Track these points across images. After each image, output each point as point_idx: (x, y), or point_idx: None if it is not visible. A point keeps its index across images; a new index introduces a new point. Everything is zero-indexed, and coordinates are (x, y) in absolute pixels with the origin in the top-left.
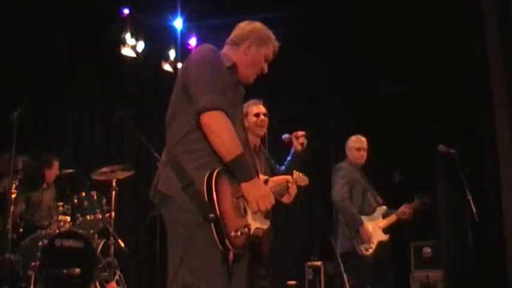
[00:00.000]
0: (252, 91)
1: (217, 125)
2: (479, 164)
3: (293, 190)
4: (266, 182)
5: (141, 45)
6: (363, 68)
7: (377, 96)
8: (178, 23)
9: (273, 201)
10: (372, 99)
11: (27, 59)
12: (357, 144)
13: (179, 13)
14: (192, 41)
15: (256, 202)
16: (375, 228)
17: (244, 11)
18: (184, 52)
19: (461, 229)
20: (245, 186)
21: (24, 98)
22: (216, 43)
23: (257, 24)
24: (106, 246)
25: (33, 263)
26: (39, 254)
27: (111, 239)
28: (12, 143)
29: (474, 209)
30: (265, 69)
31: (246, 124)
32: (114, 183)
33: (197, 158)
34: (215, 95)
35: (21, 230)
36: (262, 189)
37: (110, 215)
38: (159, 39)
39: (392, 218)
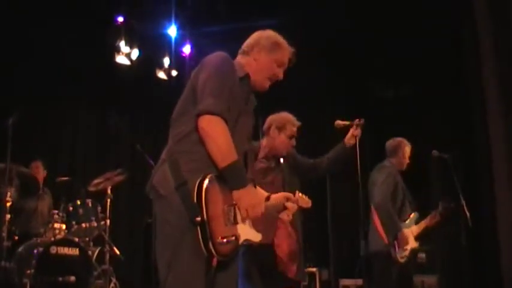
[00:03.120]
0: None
1: (213, 130)
2: (473, 169)
3: (292, 208)
4: (268, 198)
5: (135, 53)
6: (358, 73)
7: (372, 102)
8: (172, 31)
9: (263, 211)
10: (366, 105)
11: (21, 66)
12: (408, 149)
13: (173, 21)
14: (186, 49)
15: (246, 210)
16: (409, 235)
17: (237, 19)
18: (178, 59)
19: (455, 234)
20: (237, 193)
21: (18, 105)
22: (210, 50)
23: (266, 32)
24: (101, 254)
25: (28, 271)
26: (34, 261)
27: (107, 246)
28: (7, 151)
29: (468, 214)
30: (280, 75)
31: (275, 136)
32: (109, 191)
33: (195, 159)
34: (219, 101)
35: (16, 237)
36: (254, 198)
37: (105, 223)
38: (153, 47)
39: (423, 224)
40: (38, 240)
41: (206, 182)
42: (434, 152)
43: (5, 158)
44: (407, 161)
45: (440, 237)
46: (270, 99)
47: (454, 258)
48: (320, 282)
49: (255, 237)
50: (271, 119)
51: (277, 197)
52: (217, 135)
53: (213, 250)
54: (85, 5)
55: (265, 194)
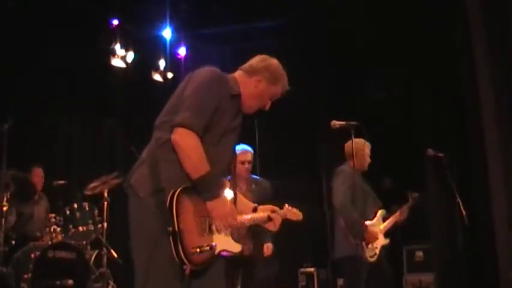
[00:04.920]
0: None
1: (185, 143)
2: (468, 168)
3: (277, 221)
4: (255, 209)
5: (130, 56)
6: (353, 73)
7: (367, 102)
8: (167, 33)
9: (235, 220)
10: (361, 105)
11: (16, 70)
12: (367, 150)
13: (168, 23)
14: (181, 51)
15: (219, 220)
16: (377, 232)
17: (232, 21)
18: (173, 61)
19: (452, 232)
20: (209, 204)
21: (13, 109)
22: (204, 52)
23: (274, 62)
24: (99, 257)
25: (25, 275)
26: (31, 266)
27: (104, 249)
28: (3, 156)
29: (464, 212)
30: (267, 107)
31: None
32: (105, 194)
33: (174, 167)
34: (196, 116)
35: (13, 242)
36: (226, 208)
37: (102, 226)
38: (148, 49)
39: (392, 220)
40: (35, 244)
41: (178, 193)
42: (430, 151)
43: (1, 163)
44: (368, 161)
45: (437, 236)
46: None
47: (450, 256)
48: (318, 281)
49: (234, 247)
50: None
51: (264, 208)
52: (188, 148)
53: (185, 259)
54: (80, 9)
55: (252, 205)
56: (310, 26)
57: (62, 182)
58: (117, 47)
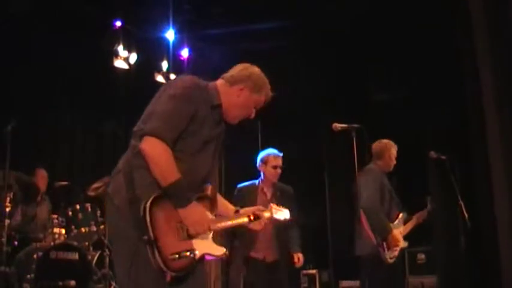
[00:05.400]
0: None
1: (153, 152)
2: (470, 170)
3: (264, 218)
4: (237, 212)
5: (133, 57)
6: (355, 75)
7: (369, 104)
8: (170, 35)
9: (208, 226)
10: (363, 107)
11: (19, 72)
12: (394, 151)
13: (171, 24)
14: (184, 52)
15: (191, 227)
16: (400, 236)
17: (235, 23)
18: (176, 63)
19: (454, 235)
20: (181, 212)
21: (16, 111)
22: (207, 54)
23: (256, 70)
24: (101, 258)
25: (28, 276)
26: (34, 266)
27: (106, 250)
28: (6, 157)
29: (466, 215)
30: (252, 115)
31: (263, 170)
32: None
33: (149, 175)
34: (165, 125)
35: (16, 243)
36: (197, 215)
37: (105, 227)
38: (151, 51)
39: (411, 224)
40: (38, 245)
41: (152, 201)
42: (432, 153)
43: (4, 164)
44: (394, 162)
45: (440, 238)
46: (268, 103)
47: (453, 259)
48: (320, 283)
49: (216, 250)
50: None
51: (248, 209)
52: (157, 156)
53: (163, 266)
54: (82, 10)
55: (233, 207)
56: (313, 27)
57: (64, 183)
58: (120, 48)
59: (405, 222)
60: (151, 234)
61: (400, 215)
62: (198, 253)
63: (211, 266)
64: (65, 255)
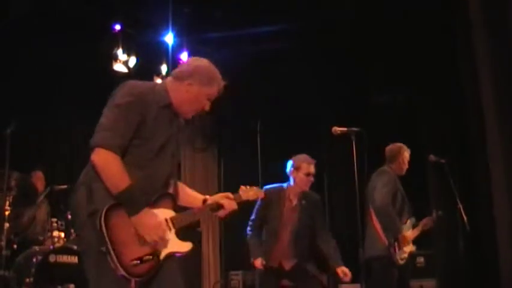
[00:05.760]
0: (247, 100)
1: (101, 162)
2: (470, 173)
3: (228, 206)
4: (205, 201)
5: (132, 61)
6: (354, 78)
7: (368, 108)
8: (169, 38)
9: (163, 231)
10: (363, 111)
11: (19, 74)
12: (407, 155)
13: (170, 28)
14: (184, 56)
15: (147, 234)
16: (409, 237)
17: (234, 26)
18: (175, 66)
19: (453, 238)
20: (133, 219)
21: (16, 114)
22: (207, 57)
23: (203, 63)
24: None
25: (27, 280)
26: (33, 270)
27: None
28: (6, 159)
29: (465, 218)
30: (207, 108)
31: (294, 176)
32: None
33: (104, 187)
34: (111, 134)
35: (15, 246)
36: (151, 221)
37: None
38: (150, 54)
39: (419, 229)
40: (37, 249)
41: (105, 211)
42: (432, 157)
43: (4, 167)
44: (406, 166)
45: (439, 241)
46: (270, 103)
47: (452, 262)
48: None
49: (182, 247)
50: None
51: (214, 197)
52: (105, 166)
53: (125, 274)
54: (82, 13)
55: (202, 197)
56: (313, 30)
57: (63, 186)
58: (119, 51)
59: (413, 228)
60: (108, 245)
61: (409, 220)
62: (162, 254)
63: (211, 270)
64: (64, 259)
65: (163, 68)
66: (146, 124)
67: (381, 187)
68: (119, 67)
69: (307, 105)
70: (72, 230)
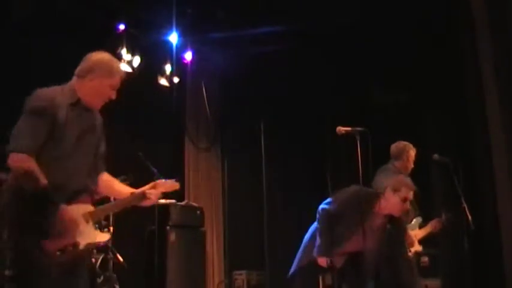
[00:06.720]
0: (251, 100)
1: (15, 164)
2: (474, 172)
3: (153, 195)
4: (132, 193)
5: (136, 60)
6: (357, 77)
7: (372, 108)
8: (173, 38)
9: (77, 225)
10: (366, 111)
11: (23, 74)
12: (413, 153)
13: (174, 28)
14: (188, 55)
15: (64, 229)
16: (415, 237)
17: (238, 26)
18: (180, 66)
19: (458, 237)
20: (51, 216)
21: (19, 114)
22: (211, 57)
23: (101, 57)
24: (105, 261)
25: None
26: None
27: (110, 253)
28: None
29: (470, 217)
30: (113, 97)
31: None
32: (111, 199)
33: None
34: (23, 138)
35: None
36: (65, 217)
37: (109, 230)
38: (154, 54)
39: (427, 229)
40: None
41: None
42: (436, 156)
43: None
44: (411, 165)
45: (443, 241)
46: (273, 103)
47: (456, 261)
48: (323, 286)
49: (100, 238)
50: (387, 181)
51: (141, 189)
52: (19, 168)
53: (49, 263)
54: (86, 14)
55: (130, 189)
56: (315, 30)
57: None
58: (123, 51)
59: (420, 227)
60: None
61: (415, 218)
62: (81, 245)
63: (215, 270)
64: None
65: (168, 68)
66: (58, 124)
67: (382, 184)
68: (123, 67)
69: (311, 105)
70: None
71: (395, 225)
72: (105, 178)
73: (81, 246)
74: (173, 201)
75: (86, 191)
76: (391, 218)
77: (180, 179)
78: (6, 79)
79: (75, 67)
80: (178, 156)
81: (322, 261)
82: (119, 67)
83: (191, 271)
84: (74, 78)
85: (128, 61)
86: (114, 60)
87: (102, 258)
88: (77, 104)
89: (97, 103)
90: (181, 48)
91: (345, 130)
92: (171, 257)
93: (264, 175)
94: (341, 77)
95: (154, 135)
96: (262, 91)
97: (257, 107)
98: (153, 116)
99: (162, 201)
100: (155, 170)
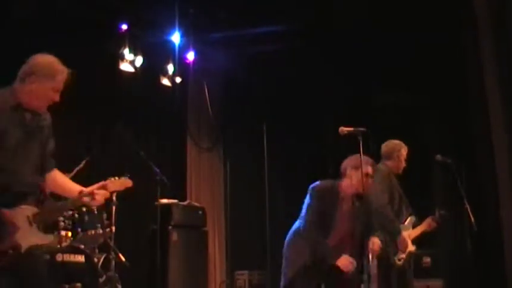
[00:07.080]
0: (248, 101)
1: None
2: (476, 173)
3: (101, 195)
4: (81, 192)
5: (139, 60)
6: (358, 78)
7: (373, 109)
8: (176, 38)
9: (17, 229)
10: (368, 112)
11: None
12: (404, 152)
13: (177, 28)
14: (190, 55)
15: (3, 231)
16: (407, 238)
17: (240, 26)
18: (182, 66)
19: (460, 238)
20: None
21: None
22: (213, 57)
23: (42, 59)
24: (107, 261)
25: None
26: None
27: (112, 253)
28: None
29: (472, 218)
30: (56, 99)
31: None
32: (114, 198)
33: None
34: None
35: None
36: (4, 220)
37: (111, 230)
38: (157, 54)
39: (420, 229)
40: (44, 248)
41: None
42: (438, 157)
43: None
44: (403, 164)
45: (445, 242)
46: (276, 103)
47: (459, 262)
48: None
49: (43, 239)
50: (346, 162)
51: (89, 188)
52: None
53: None
54: (88, 13)
55: (79, 188)
56: (318, 30)
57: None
58: (126, 51)
59: (414, 227)
60: None
61: (409, 218)
62: (23, 247)
63: (217, 270)
64: (71, 258)
65: (170, 68)
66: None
67: (374, 186)
68: (125, 67)
69: (313, 105)
70: (79, 229)
71: (363, 202)
72: (55, 176)
73: (23, 249)
74: (175, 201)
75: (31, 193)
76: (358, 196)
77: (182, 178)
78: (6, 79)
79: (75, 67)
80: (180, 156)
81: None
82: (61, 70)
83: (193, 271)
84: (16, 82)
85: (130, 61)
86: (56, 62)
87: (104, 258)
88: (18, 107)
89: (39, 106)
90: (184, 48)
91: (348, 130)
92: (173, 257)
93: (266, 175)
94: (342, 77)
95: (156, 135)
96: (264, 91)
97: (259, 107)
98: (155, 115)
99: (165, 201)
100: (157, 170)
